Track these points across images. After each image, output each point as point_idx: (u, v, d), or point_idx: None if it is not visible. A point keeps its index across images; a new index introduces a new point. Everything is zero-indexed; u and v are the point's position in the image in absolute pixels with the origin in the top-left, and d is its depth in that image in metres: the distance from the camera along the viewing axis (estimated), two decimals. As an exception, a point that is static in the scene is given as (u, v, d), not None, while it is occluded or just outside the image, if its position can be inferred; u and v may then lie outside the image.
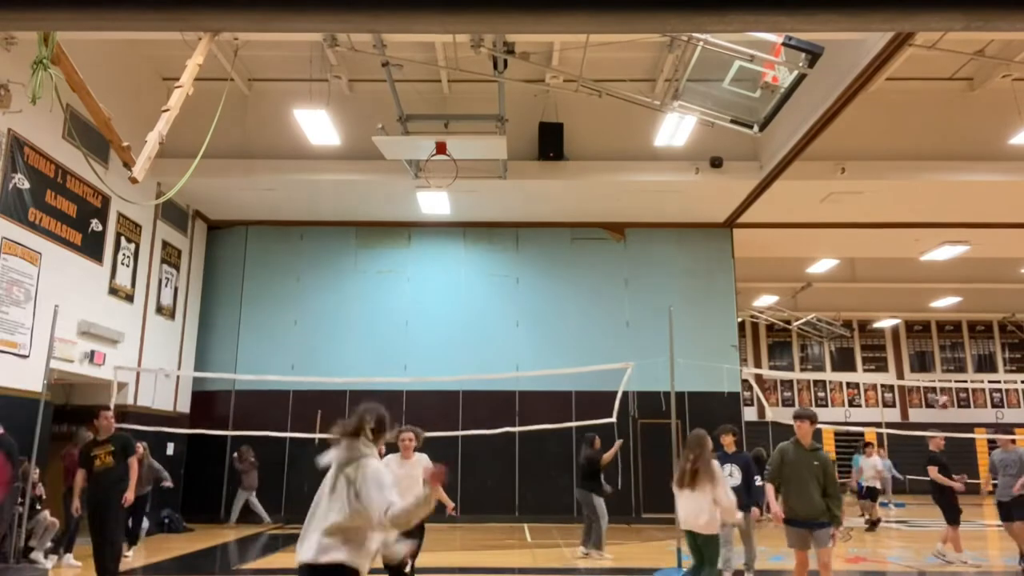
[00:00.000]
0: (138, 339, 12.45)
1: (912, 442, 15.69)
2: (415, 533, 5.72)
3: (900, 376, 24.83)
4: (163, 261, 13.33)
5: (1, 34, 8.92)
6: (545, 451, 14.03)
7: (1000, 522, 9.35)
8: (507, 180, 12.69)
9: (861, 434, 22.58)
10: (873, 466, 14.13)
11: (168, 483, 11.28)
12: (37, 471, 9.28)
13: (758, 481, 7.41)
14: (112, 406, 10.70)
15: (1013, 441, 9.68)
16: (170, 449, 13.32)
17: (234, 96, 12.13)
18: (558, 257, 15.23)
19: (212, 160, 10.00)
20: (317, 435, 13.03)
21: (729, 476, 7.31)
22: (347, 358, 14.23)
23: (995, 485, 9.28)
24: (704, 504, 5.90)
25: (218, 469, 14.02)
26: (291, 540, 11.67)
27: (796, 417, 6.19)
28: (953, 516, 9.47)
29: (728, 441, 7.81)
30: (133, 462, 7.67)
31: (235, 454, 13.78)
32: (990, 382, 24.58)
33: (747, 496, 7.50)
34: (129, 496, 7.50)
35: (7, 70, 8.85)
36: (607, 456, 10.12)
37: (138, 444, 8.70)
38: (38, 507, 9.24)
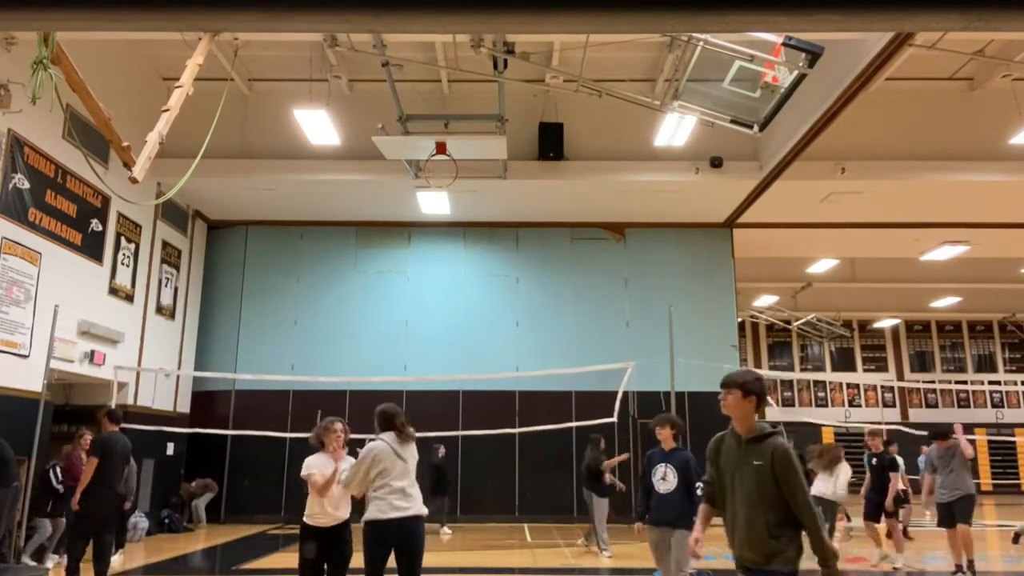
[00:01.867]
0: (138, 339, 12.45)
1: (912, 442, 15.71)
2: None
3: (900, 376, 24.82)
4: (163, 261, 13.33)
5: (1, 34, 8.92)
6: (545, 451, 14.02)
7: (939, 526, 8.47)
8: (507, 180, 12.68)
9: (861, 434, 22.58)
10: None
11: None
12: (59, 467, 9.29)
13: (699, 490, 5.53)
14: (113, 406, 10.75)
15: (950, 436, 8.42)
16: (170, 449, 13.32)
17: (234, 96, 12.13)
18: (558, 257, 15.23)
19: (212, 160, 10.00)
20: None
21: (662, 480, 5.78)
22: (347, 358, 14.22)
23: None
24: None
25: (218, 469, 14.02)
26: (291, 540, 11.69)
27: (723, 386, 3.71)
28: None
29: (665, 435, 5.94)
30: (85, 466, 7.22)
31: (192, 484, 13.65)
32: (990, 382, 24.58)
33: (688, 506, 5.59)
34: (73, 500, 7.18)
35: (7, 70, 8.85)
36: (608, 464, 10.33)
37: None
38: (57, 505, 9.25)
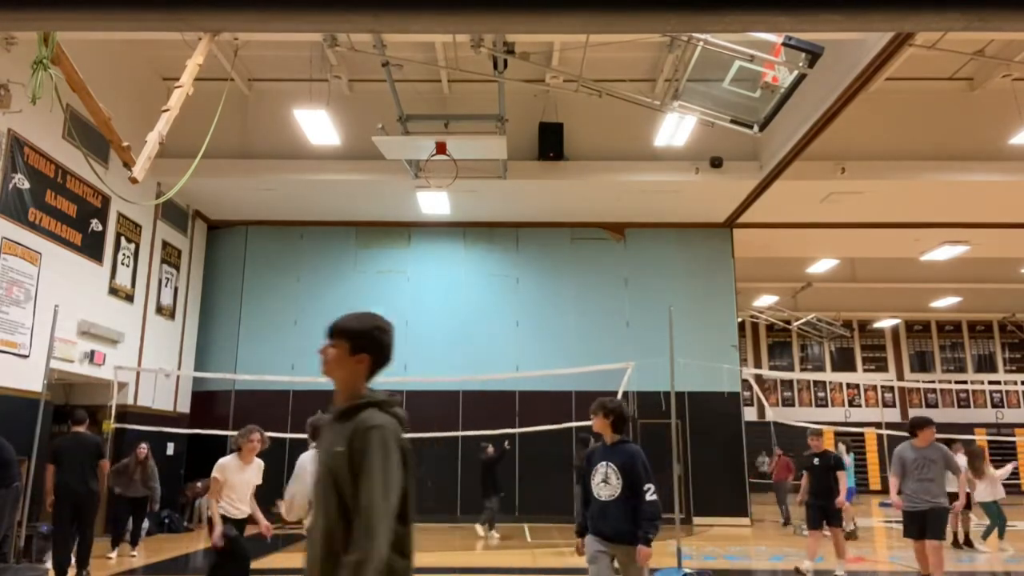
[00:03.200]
0: (138, 339, 12.45)
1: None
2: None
3: (900, 376, 24.83)
4: (163, 261, 13.33)
5: (1, 34, 8.92)
6: (545, 451, 14.01)
7: (907, 536, 7.22)
8: (507, 180, 12.68)
9: (861, 434, 22.62)
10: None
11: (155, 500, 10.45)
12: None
13: (651, 494, 4.40)
14: (114, 406, 10.81)
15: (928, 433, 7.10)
16: (170, 449, 13.32)
17: (234, 96, 12.13)
18: (558, 257, 15.23)
19: (212, 160, 10.01)
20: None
21: (603, 483, 4.54)
22: (347, 358, 14.19)
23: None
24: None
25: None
26: (291, 540, 11.69)
27: (326, 336, 2.57)
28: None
29: (601, 425, 4.63)
30: (46, 474, 7.96)
31: (198, 484, 13.42)
32: (990, 382, 24.59)
33: (635, 515, 4.40)
34: (47, 504, 7.87)
35: (7, 70, 8.85)
36: None
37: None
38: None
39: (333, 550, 2.14)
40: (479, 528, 12.12)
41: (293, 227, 15.19)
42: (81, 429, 8.11)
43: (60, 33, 5.02)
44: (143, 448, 10.13)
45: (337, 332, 2.46)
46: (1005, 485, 11.05)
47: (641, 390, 13.11)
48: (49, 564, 8.83)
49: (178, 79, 6.38)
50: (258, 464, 6.16)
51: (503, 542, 11.58)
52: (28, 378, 9.40)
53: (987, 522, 10.97)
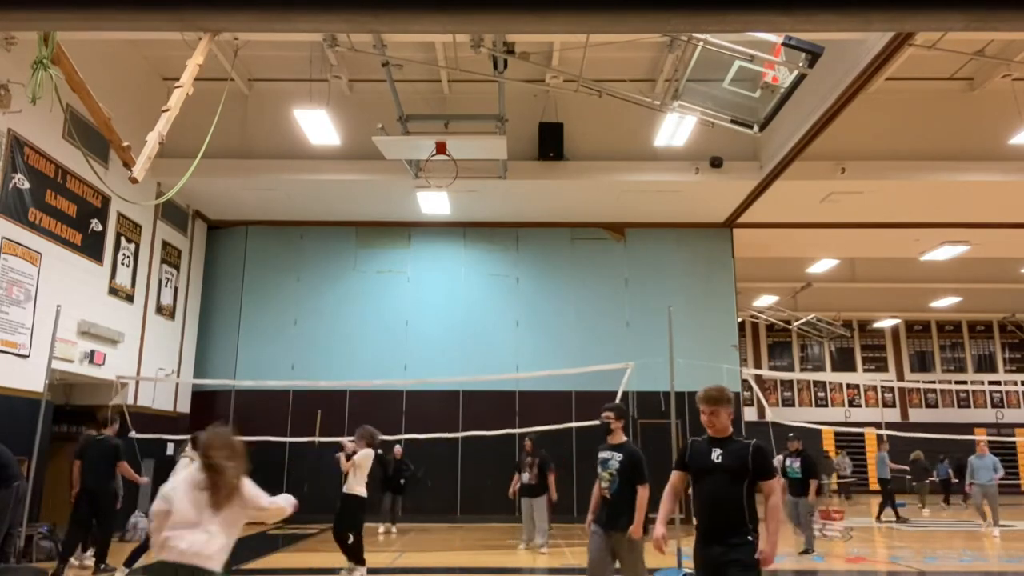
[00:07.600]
0: (138, 339, 12.45)
1: (911, 442, 15.71)
2: None
3: (900, 376, 24.84)
4: (163, 261, 13.33)
5: (1, 34, 8.92)
6: (545, 451, 14.00)
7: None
8: (507, 180, 12.68)
9: (861, 434, 22.62)
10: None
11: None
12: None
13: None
14: (112, 405, 10.79)
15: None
16: (170, 449, 13.31)
17: (234, 96, 12.13)
18: (558, 257, 15.23)
19: (212, 160, 10.02)
20: (317, 438, 13.04)
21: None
22: (347, 358, 14.22)
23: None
24: None
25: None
26: (291, 540, 11.71)
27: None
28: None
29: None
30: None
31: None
32: (990, 382, 24.59)
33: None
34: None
35: (7, 70, 8.85)
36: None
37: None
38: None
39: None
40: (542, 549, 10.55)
41: (293, 227, 15.19)
42: (108, 432, 8.52)
43: (60, 33, 5.02)
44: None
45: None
46: (1001, 485, 10.99)
47: (641, 390, 13.09)
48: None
49: (178, 79, 6.38)
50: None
51: (503, 542, 11.57)
52: (28, 378, 9.40)
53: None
